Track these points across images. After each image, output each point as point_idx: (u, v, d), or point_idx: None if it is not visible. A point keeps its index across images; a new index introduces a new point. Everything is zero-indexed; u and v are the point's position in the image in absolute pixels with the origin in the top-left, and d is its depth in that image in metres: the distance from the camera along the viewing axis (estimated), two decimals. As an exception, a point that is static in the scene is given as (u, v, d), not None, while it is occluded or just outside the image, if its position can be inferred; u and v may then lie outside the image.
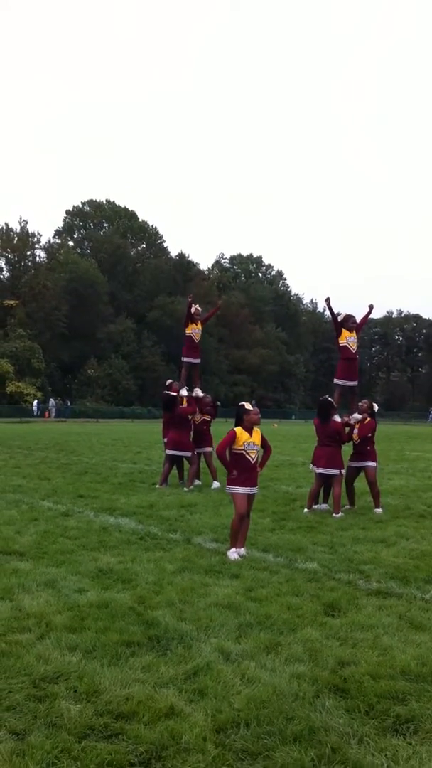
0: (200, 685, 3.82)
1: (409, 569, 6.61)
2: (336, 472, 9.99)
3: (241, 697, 3.69)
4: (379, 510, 9.98)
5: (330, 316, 10.94)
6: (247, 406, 7.25)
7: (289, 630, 4.78)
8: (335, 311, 10.78)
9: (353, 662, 4.21)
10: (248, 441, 7.12)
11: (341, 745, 3.23)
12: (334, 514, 9.69)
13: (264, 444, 7.39)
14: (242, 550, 7.04)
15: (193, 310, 13.04)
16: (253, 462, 7.14)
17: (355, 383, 10.89)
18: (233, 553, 6.91)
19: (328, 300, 10.87)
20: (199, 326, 13.18)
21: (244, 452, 7.09)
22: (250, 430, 7.17)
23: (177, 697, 3.69)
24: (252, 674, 3.98)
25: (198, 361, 13.23)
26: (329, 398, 10.31)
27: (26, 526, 8.26)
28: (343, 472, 10.17)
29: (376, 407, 10.54)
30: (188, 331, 13.08)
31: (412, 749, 3.23)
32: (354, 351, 10.75)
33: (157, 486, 12.25)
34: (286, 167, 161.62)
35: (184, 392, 12.57)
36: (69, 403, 59.17)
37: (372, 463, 10.31)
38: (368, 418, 10.35)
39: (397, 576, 6.35)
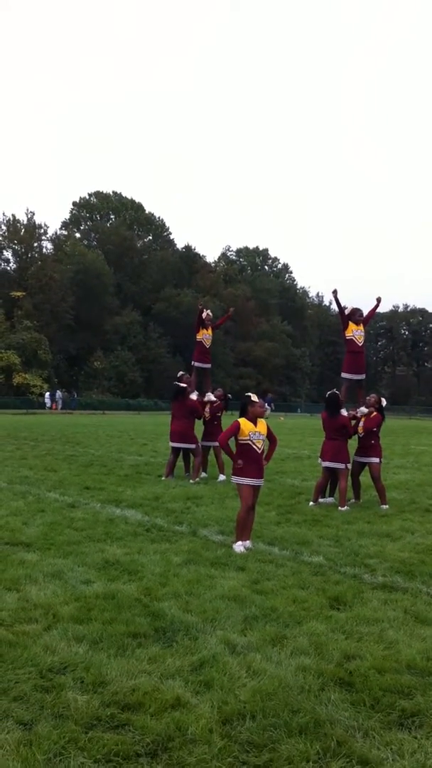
0: (206, 677, 3.84)
1: (415, 563, 6.61)
2: (342, 465, 9.99)
3: (246, 689, 3.71)
4: (386, 506, 9.96)
5: (337, 308, 10.90)
6: (253, 398, 7.24)
7: (295, 623, 4.79)
8: (342, 304, 10.75)
9: (359, 656, 4.22)
10: (254, 431, 7.11)
11: (346, 738, 3.24)
12: (339, 508, 9.69)
13: (270, 436, 7.39)
14: (248, 543, 7.05)
15: (204, 315, 13.05)
16: (259, 452, 7.14)
17: (362, 377, 10.87)
18: (239, 546, 6.93)
19: (335, 292, 10.83)
20: (210, 332, 13.21)
21: (250, 442, 7.09)
22: (254, 421, 7.17)
23: (183, 688, 3.70)
24: (258, 667, 3.99)
25: (209, 366, 13.29)
26: (337, 392, 10.30)
27: (33, 518, 8.29)
28: (349, 466, 10.17)
29: (384, 402, 10.52)
30: (199, 336, 13.10)
31: (418, 743, 3.24)
32: (360, 344, 10.72)
33: (163, 478, 12.28)
34: (294, 160, 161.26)
35: (193, 396, 12.60)
36: (76, 395, 59.26)
37: (375, 460, 10.29)
38: (374, 412, 10.34)
39: (402, 570, 6.36)
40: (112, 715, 3.40)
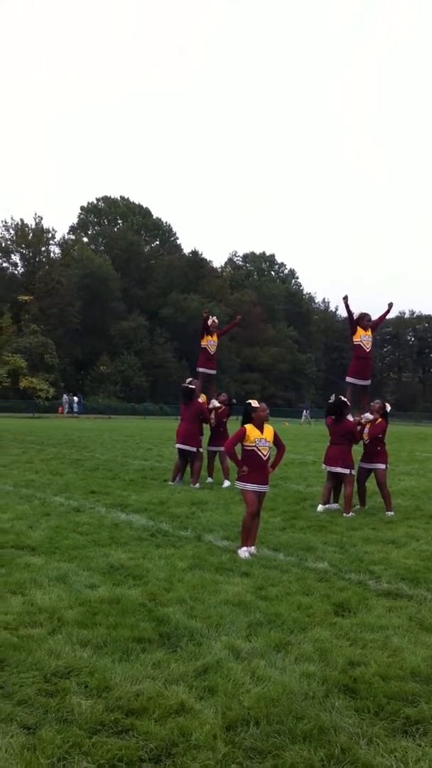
0: (210, 683, 3.84)
1: (420, 570, 6.59)
2: (347, 471, 9.97)
3: (251, 695, 3.70)
4: (391, 513, 9.94)
5: (347, 314, 10.84)
6: (254, 403, 7.24)
7: (299, 629, 4.79)
8: (352, 310, 10.70)
9: (363, 663, 4.21)
10: (259, 437, 7.11)
11: (351, 745, 3.24)
12: (344, 514, 9.67)
13: (277, 442, 7.38)
14: (253, 549, 7.05)
15: (209, 322, 13.14)
16: (264, 459, 7.13)
17: (367, 382, 10.84)
18: (244, 552, 6.92)
19: (346, 298, 10.78)
20: (215, 338, 13.30)
21: (255, 449, 7.09)
22: (260, 427, 7.17)
23: (187, 694, 3.71)
24: (262, 673, 3.99)
25: (214, 372, 13.42)
26: (342, 397, 10.28)
27: (38, 521, 8.30)
28: (354, 471, 10.15)
29: (388, 408, 10.49)
30: (203, 343, 13.20)
31: (422, 751, 3.23)
32: (368, 350, 10.68)
33: (170, 482, 12.30)
34: (300, 165, 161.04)
35: (201, 400, 12.68)
36: (81, 399, 59.42)
37: (381, 466, 10.27)
38: (379, 419, 10.32)
39: (407, 577, 6.34)
40: (116, 720, 3.40)
